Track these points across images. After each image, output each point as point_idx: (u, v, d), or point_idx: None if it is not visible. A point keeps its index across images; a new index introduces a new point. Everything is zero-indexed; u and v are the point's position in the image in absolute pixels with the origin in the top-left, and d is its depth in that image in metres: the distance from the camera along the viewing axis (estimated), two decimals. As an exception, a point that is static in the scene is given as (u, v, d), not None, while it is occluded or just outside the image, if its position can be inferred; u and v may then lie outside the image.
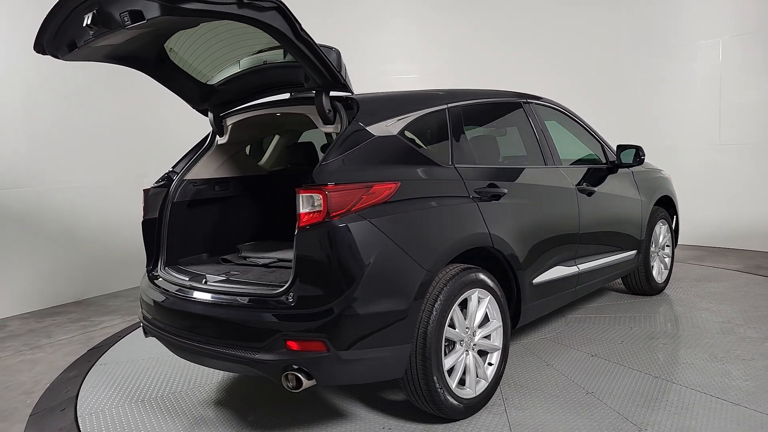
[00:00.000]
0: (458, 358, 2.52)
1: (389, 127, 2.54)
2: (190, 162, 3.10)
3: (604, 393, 2.77)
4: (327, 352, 2.14)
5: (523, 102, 3.47)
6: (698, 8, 6.58)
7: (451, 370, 2.48)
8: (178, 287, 2.68)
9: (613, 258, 3.88)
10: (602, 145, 4.04)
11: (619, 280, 4.60)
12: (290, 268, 2.29)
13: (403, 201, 2.36)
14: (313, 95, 2.59)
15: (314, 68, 2.30)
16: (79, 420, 2.79)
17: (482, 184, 2.76)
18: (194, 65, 2.81)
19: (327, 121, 2.53)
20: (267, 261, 3.01)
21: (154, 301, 2.70)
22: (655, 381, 2.89)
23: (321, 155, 3.53)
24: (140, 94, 5.52)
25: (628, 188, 4.09)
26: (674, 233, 4.82)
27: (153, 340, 2.83)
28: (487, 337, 2.68)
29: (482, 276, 2.61)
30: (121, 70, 3.01)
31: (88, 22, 2.13)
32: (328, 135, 3.82)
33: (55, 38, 2.35)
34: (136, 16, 2.00)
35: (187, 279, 2.71)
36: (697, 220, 6.50)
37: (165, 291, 2.70)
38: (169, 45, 2.65)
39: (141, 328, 2.92)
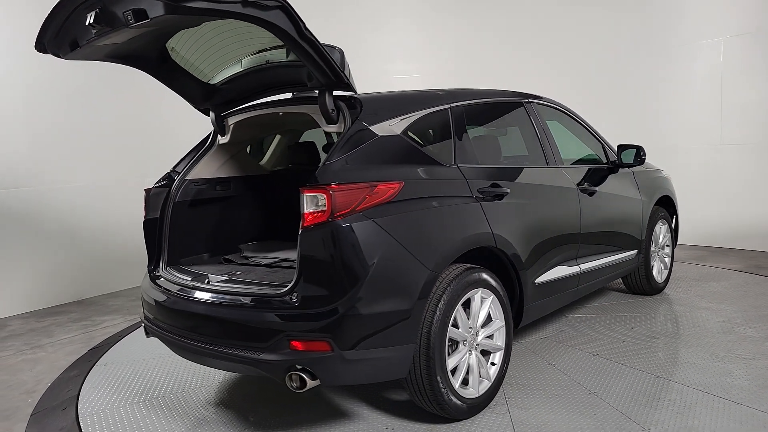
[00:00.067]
0: (461, 358, 2.52)
1: (392, 127, 2.54)
2: (191, 162, 3.09)
3: (607, 392, 2.78)
4: (331, 352, 2.14)
5: (525, 102, 3.47)
6: (699, 8, 6.58)
7: (454, 370, 2.48)
8: (180, 287, 2.67)
9: (614, 258, 3.88)
10: (603, 145, 4.04)
11: (619, 280, 4.60)
12: (293, 268, 2.29)
13: (406, 201, 2.35)
14: (316, 95, 2.59)
15: (318, 67, 2.29)
16: (81, 420, 2.78)
17: (485, 184, 2.76)
18: (196, 64, 2.80)
19: (330, 121, 2.53)
20: (269, 261, 3.00)
21: (156, 302, 2.69)
22: (656, 380, 2.89)
23: (322, 155, 3.54)
24: (141, 94, 5.51)
25: (629, 188, 4.09)
26: (674, 233, 4.83)
27: (154, 339, 2.83)
28: (490, 336, 2.68)
29: (485, 276, 2.61)
30: (121, 70, 3.00)
31: (91, 21, 2.12)
32: (328, 135, 3.84)
33: (57, 37, 2.34)
34: (140, 14, 1.99)
35: (190, 279, 2.71)
36: (698, 220, 6.51)
37: (167, 291, 2.69)
38: (170, 44, 2.64)
39: (142, 328, 2.91)
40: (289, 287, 2.24)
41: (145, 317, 2.84)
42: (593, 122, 4.15)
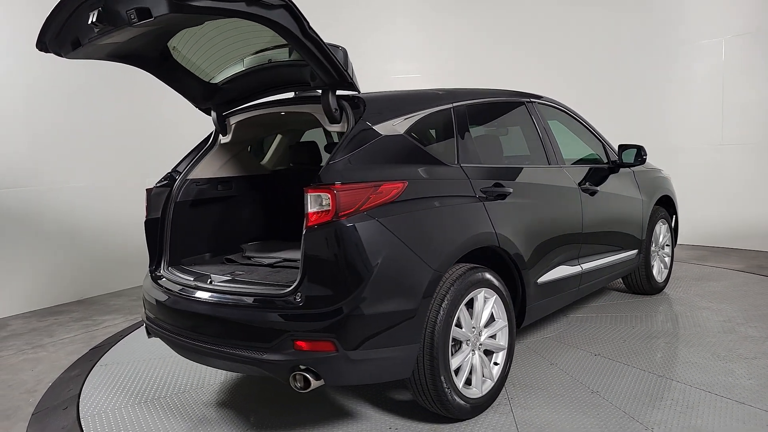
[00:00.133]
0: (465, 358, 2.52)
1: (396, 127, 2.53)
2: (192, 161, 3.08)
3: (609, 392, 2.78)
4: (336, 352, 2.13)
5: (526, 101, 3.47)
6: (701, 8, 6.59)
7: (457, 370, 2.48)
8: (182, 287, 2.66)
9: (615, 257, 3.89)
10: (603, 145, 4.04)
11: (620, 280, 4.61)
12: (295, 268, 2.29)
13: (410, 200, 2.35)
14: (318, 94, 2.58)
15: (321, 66, 2.29)
16: (82, 420, 2.77)
17: (488, 184, 2.76)
18: (197, 64, 2.79)
19: (333, 120, 2.52)
20: (272, 261, 2.99)
21: (159, 302, 2.68)
22: (659, 380, 2.90)
23: (323, 154, 3.53)
24: (141, 94, 5.51)
25: (630, 188, 4.10)
26: (674, 233, 4.84)
27: (155, 339, 2.82)
28: (493, 336, 2.68)
29: (488, 275, 2.61)
30: (122, 70, 3.00)
31: (94, 20, 2.10)
32: (328, 134, 3.84)
33: (59, 36, 2.33)
34: (144, 13, 1.98)
35: (192, 279, 2.70)
36: (699, 219, 6.52)
37: (170, 291, 2.68)
38: (172, 43, 2.63)
39: (144, 329, 2.90)
40: (293, 287, 2.23)
41: (147, 317, 2.83)
42: (594, 122, 4.15)
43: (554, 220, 3.21)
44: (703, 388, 2.77)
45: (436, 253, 2.37)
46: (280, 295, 2.27)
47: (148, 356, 3.60)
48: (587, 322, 3.93)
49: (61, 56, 2.46)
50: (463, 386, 2.50)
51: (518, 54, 7.44)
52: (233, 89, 2.93)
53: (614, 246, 3.89)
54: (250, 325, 2.29)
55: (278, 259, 3.00)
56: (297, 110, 2.82)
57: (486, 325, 2.64)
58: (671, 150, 6.56)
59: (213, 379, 3.20)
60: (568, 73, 7.21)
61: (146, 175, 5.06)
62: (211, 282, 2.62)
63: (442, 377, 2.36)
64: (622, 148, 3.98)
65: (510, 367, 2.78)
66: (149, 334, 2.84)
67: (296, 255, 2.84)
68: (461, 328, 2.49)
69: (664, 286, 4.67)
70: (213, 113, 3.06)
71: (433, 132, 2.84)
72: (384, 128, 2.48)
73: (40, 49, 2.43)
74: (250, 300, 2.36)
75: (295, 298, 2.21)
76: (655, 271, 4.48)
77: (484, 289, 2.59)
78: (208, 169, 3.13)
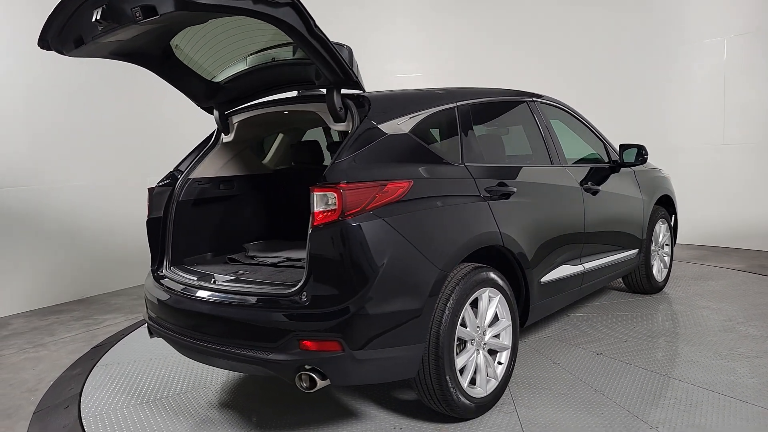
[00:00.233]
0: (469, 358, 2.52)
1: (401, 126, 2.53)
2: (194, 160, 3.07)
3: (613, 391, 2.78)
4: (342, 351, 2.13)
5: (529, 100, 3.47)
6: (703, 7, 6.59)
7: (462, 370, 2.48)
8: (185, 287, 2.65)
9: (616, 257, 3.89)
10: (604, 144, 4.05)
11: (619, 279, 4.61)
12: (299, 267, 2.28)
13: (416, 200, 2.35)
14: (322, 93, 2.57)
15: (327, 65, 2.28)
16: (83, 420, 2.76)
17: (492, 183, 2.76)
18: (200, 62, 2.78)
19: (338, 119, 2.51)
20: (275, 260, 2.99)
21: (162, 301, 2.67)
22: (661, 379, 2.90)
23: (326, 153, 3.52)
24: (142, 93, 5.48)
25: (631, 187, 4.11)
26: (673, 232, 4.85)
27: (156, 339, 2.81)
28: (497, 336, 2.68)
29: (493, 275, 2.61)
30: (122, 69, 2.98)
31: (98, 18, 2.09)
32: (328, 134, 3.84)
33: (61, 33, 2.31)
34: (149, 11, 1.97)
35: (195, 279, 2.69)
36: (700, 219, 6.53)
37: (172, 291, 2.67)
38: (175, 42, 2.62)
39: (146, 328, 2.89)
40: (298, 287, 2.23)
41: (150, 317, 2.82)
42: (595, 121, 4.16)
43: (557, 219, 3.21)
44: (705, 387, 2.77)
45: (442, 252, 2.36)
46: (286, 294, 2.26)
47: (149, 356, 3.59)
48: (588, 321, 3.93)
49: (63, 54, 2.44)
50: (468, 386, 2.49)
51: (518, 54, 7.43)
52: (236, 88, 2.92)
53: (615, 245, 3.90)
54: (255, 324, 2.28)
55: (281, 259, 2.99)
56: (301, 109, 2.81)
57: (490, 325, 2.64)
58: (672, 150, 6.57)
59: (215, 379, 3.20)
60: (568, 73, 7.21)
61: (147, 174, 5.03)
62: (214, 281, 2.61)
63: (448, 377, 2.35)
64: (623, 147, 3.99)
65: (514, 366, 2.78)
66: (152, 334, 2.83)
67: (299, 254, 2.83)
68: (466, 328, 2.49)
69: (664, 286, 4.68)
70: (215, 112, 3.04)
71: (437, 131, 2.84)
72: (389, 127, 2.47)
73: (42, 47, 2.41)
74: (254, 300, 2.35)
75: (300, 298, 2.20)
76: (655, 271, 4.49)
77: (488, 289, 2.59)
78: (210, 168, 3.12)
